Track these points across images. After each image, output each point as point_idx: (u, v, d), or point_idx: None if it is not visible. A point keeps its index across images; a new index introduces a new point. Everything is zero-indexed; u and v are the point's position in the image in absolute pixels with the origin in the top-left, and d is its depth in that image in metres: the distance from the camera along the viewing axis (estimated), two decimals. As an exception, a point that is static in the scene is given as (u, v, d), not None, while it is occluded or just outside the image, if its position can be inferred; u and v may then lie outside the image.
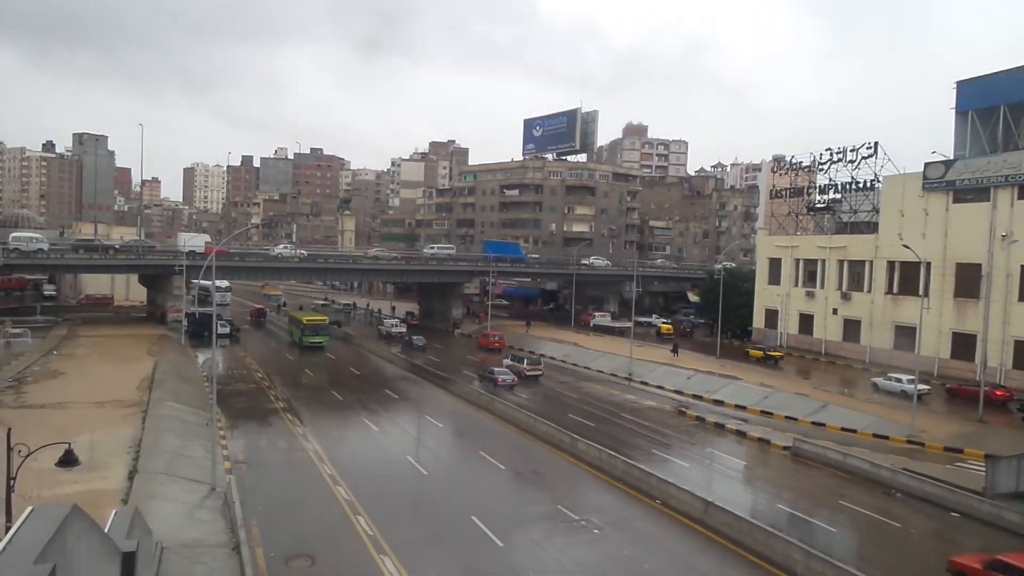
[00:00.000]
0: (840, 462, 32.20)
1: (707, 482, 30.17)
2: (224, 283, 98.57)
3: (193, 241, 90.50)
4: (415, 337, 67.32)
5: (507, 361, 55.79)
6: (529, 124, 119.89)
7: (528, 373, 52.77)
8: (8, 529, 8.52)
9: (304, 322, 64.89)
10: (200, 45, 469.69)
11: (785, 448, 35.11)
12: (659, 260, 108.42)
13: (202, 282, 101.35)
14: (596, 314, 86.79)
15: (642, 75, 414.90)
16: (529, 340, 69.98)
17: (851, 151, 63.49)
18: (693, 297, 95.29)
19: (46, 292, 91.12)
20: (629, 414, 42.43)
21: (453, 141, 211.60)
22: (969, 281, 52.77)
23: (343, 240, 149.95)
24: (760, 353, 60.38)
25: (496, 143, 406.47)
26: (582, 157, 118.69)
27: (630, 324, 76.10)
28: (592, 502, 26.85)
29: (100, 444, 27.93)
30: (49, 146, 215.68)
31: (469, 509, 25.45)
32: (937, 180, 54.94)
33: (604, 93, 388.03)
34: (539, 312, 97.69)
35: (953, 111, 57.17)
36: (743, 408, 44.19)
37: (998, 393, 44.49)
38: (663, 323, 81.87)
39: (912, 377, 41.74)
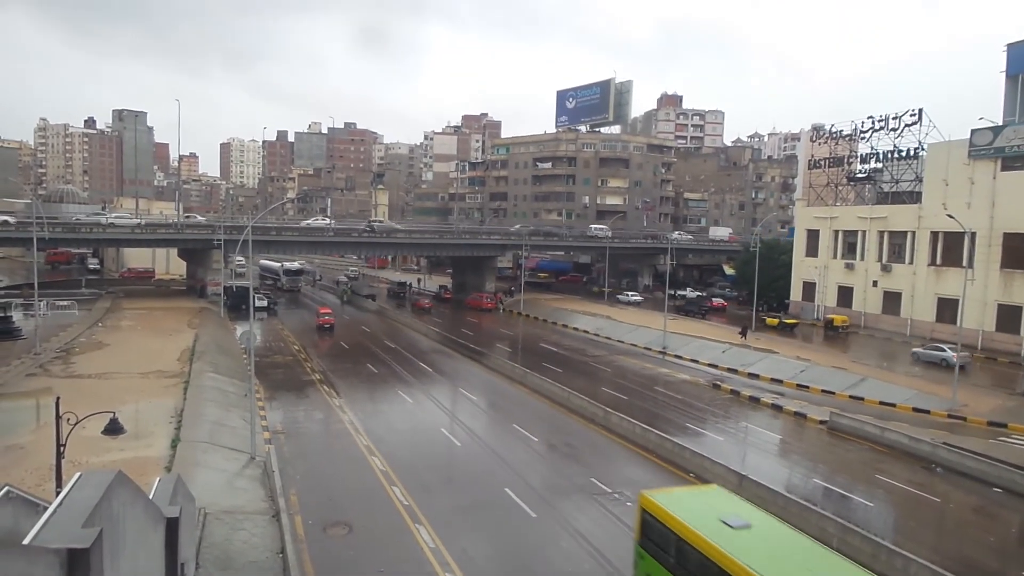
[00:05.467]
0: (878, 436, 31.71)
1: (741, 456, 29.99)
2: (295, 265, 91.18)
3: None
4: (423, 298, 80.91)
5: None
6: (562, 95, 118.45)
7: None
8: (58, 494, 8.82)
9: None
10: (238, 17, 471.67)
11: (821, 422, 34.67)
12: (676, 234, 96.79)
13: (264, 262, 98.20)
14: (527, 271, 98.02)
15: (678, 44, 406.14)
16: (562, 313, 69.93)
17: (894, 118, 61.69)
18: (728, 270, 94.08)
19: (91, 265, 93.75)
20: (663, 387, 42.27)
21: (486, 114, 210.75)
22: (1016, 251, 51.15)
23: (376, 214, 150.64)
24: (775, 321, 62.98)
25: (530, 116, 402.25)
26: (616, 128, 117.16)
27: (555, 280, 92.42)
28: (625, 475, 26.88)
29: (144, 413, 28.81)
30: (91, 122, 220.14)
31: (502, 481, 25.71)
32: (984, 147, 53.11)
33: (639, 62, 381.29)
34: (578, 285, 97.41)
35: (1003, 75, 55.07)
36: (779, 382, 43.67)
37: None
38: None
39: (954, 344, 42.50)
